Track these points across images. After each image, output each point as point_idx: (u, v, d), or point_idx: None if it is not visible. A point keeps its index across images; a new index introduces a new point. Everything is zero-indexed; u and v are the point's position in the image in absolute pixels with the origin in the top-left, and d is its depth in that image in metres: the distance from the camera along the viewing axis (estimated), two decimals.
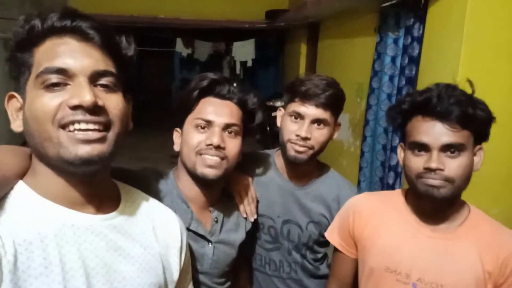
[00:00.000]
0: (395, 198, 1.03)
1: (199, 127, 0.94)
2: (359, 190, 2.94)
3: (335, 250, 1.10)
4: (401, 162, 0.98)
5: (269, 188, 1.20)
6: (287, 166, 1.21)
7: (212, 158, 0.92)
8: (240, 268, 1.19)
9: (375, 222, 1.01)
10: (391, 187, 2.50)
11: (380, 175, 2.75)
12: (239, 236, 1.07)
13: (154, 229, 0.75)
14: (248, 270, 1.25)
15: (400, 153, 0.99)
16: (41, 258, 0.58)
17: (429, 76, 2.17)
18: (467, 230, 0.92)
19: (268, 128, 4.84)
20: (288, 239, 1.21)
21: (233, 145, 0.95)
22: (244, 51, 6.50)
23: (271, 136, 4.76)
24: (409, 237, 0.95)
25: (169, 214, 0.82)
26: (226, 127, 0.94)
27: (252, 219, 1.10)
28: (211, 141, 0.91)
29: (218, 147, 0.92)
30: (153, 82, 9.02)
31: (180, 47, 6.53)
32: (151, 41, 6.29)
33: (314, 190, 1.21)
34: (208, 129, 0.94)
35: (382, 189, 2.69)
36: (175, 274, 0.77)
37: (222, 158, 0.93)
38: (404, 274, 0.93)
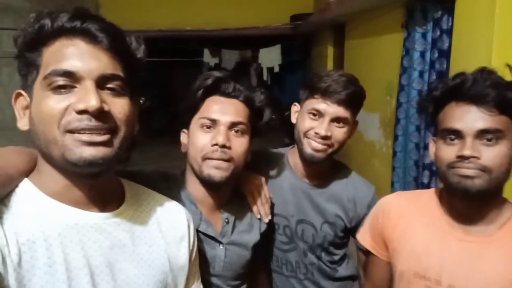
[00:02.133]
0: (427, 197, 0.95)
1: (205, 127, 0.93)
2: (393, 191, 2.84)
3: (369, 252, 1.04)
4: (432, 157, 0.89)
5: (282, 187, 1.17)
6: (302, 164, 1.17)
7: (218, 161, 0.91)
8: (258, 270, 1.16)
9: (404, 223, 0.94)
10: (426, 187, 2.40)
11: (414, 175, 2.64)
12: (253, 237, 1.04)
13: (159, 225, 0.75)
14: (266, 273, 1.22)
15: (431, 147, 0.90)
16: (45, 257, 0.58)
17: (460, 69, 2.07)
18: (507, 233, 0.82)
19: None
20: (302, 239, 1.17)
21: (239, 144, 0.93)
22: (270, 57, 6.52)
23: None
24: (439, 240, 0.87)
25: (175, 207, 0.81)
26: (232, 125, 0.92)
27: (266, 220, 1.06)
28: (216, 141, 0.90)
29: (223, 146, 0.90)
30: (183, 92, 9.22)
31: (207, 57, 6.65)
32: (179, 53, 6.45)
33: (329, 190, 1.17)
34: (214, 128, 0.92)
35: (417, 189, 2.59)
36: (186, 266, 0.77)
37: (228, 160, 0.91)
38: (434, 280, 0.86)
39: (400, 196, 1.03)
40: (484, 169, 0.77)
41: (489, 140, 0.78)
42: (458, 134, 0.80)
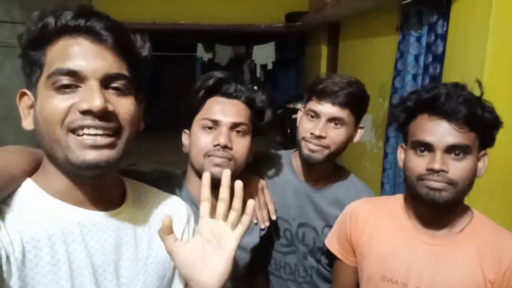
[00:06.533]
0: (393, 203, 0.99)
1: (206, 128, 0.93)
2: (383, 192, 2.88)
3: (336, 257, 1.06)
4: (400, 164, 0.92)
5: (285, 190, 1.17)
6: (303, 167, 1.17)
7: (220, 159, 0.90)
8: (256, 273, 1.16)
9: (371, 227, 0.97)
10: None
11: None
12: (252, 240, 1.03)
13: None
14: (264, 275, 1.22)
15: (400, 154, 0.94)
16: (48, 256, 0.58)
17: (453, 74, 2.11)
18: (467, 236, 0.86)
19: (288, 131, 4.83)
20: (303, 243, 1.18)
21: (240, 145, 0.93)
22: (264, 54, 6.52)
23: (292, 138, 4.75)
24: (405, 244, 0.90)
25: (175, 202, 0.81)
26: (234, 126, 0.93)
27: (263, 226, 1.05)
28: (218, 141, 0.90)
29: (225, 147, 0.90)
30: (175, 87, 9.18)
31: (201, 52, 6.63)
32: (173, 47, 6.41)
33: (331, 194, 1.17)
34: (215, 129, 0.92)
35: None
36: None
37: (230, 159, 0.91)
38: (401, 283, 0.89)
39: (367, 202, 1.06)
40: (451, 183, 0.81)
41: (457, 154, 0.82)
42: (428, 147, 0.83)
